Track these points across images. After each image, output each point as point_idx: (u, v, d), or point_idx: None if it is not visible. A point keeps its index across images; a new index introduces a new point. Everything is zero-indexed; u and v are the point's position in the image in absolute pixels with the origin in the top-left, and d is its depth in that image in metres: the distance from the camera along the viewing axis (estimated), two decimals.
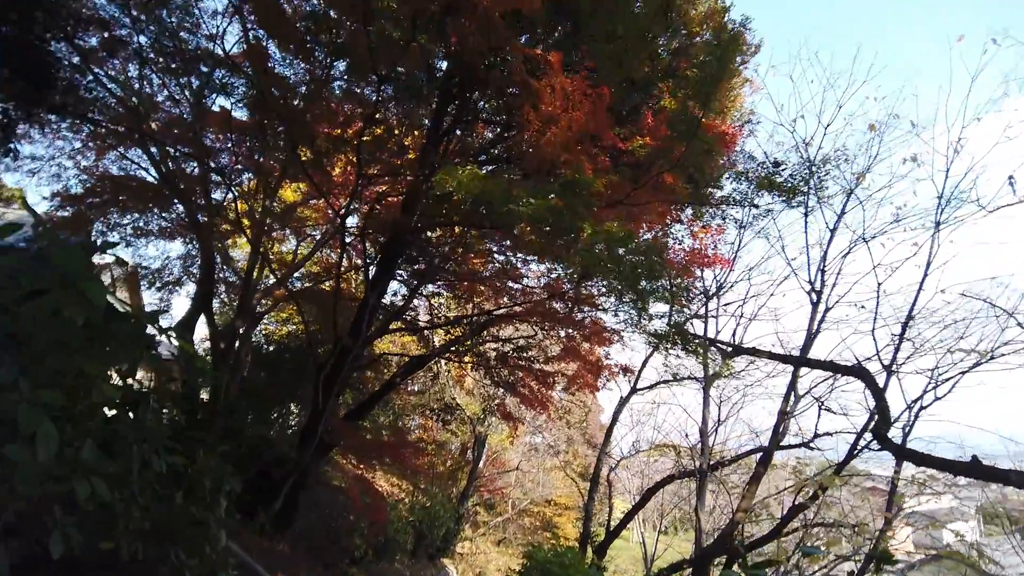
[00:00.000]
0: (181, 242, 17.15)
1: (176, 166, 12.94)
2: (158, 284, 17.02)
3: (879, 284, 10.18)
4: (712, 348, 10.91)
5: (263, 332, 19.93)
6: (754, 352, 8.84)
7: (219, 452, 5.83)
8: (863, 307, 10.20)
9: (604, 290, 10.95)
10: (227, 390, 12.92)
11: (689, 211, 11.81)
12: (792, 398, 11.00)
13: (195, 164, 13.12)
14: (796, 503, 10.31)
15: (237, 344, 14.59)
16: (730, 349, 9.35)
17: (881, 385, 8.26)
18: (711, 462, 12.26)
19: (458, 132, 11.03)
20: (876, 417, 7.96)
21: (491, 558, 27.86)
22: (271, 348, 18.25)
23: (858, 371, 7.69)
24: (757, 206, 11.45)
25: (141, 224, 16.24)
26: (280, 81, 10.96)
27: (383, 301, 14.61)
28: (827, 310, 10.78)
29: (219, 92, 10.45)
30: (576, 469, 34.33)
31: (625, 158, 8.13)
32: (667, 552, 25.89)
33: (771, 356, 9.28)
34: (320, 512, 16.91)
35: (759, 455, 11.82)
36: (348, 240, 11.29)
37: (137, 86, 11.94)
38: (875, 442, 7.88)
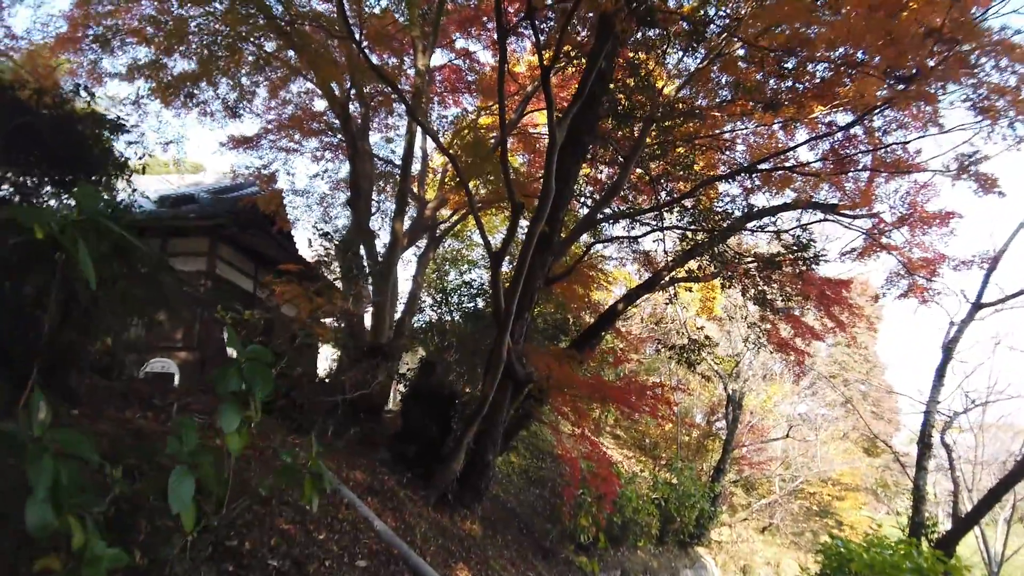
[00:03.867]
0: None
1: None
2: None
3: None
4: None
5: (465, 281, 17.35)
6: None
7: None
8: None
9: None
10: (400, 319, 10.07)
11: None
12: None
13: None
14: None
15: (418, 265, 11.77)
16: None
17: None
18: None
19: None
20: None
21: (755, 548, 22.71)
22: (476, 298, 15.53)
23: None
24: None
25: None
26: None
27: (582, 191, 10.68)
28: None
29: None
30: (858, 443, 27.29)
31: None
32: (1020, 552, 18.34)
33: None
34: (536, 484, 13.57)
35: None
36: None
37: None
38: None
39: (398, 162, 13.14)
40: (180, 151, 15.82)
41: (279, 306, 12.73)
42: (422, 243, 12.99)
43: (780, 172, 9.45)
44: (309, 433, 7.48)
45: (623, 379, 12.78)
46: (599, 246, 14.39)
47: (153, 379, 10.82)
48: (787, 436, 22.59)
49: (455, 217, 12.87)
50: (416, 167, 13.77)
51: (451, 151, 11.20)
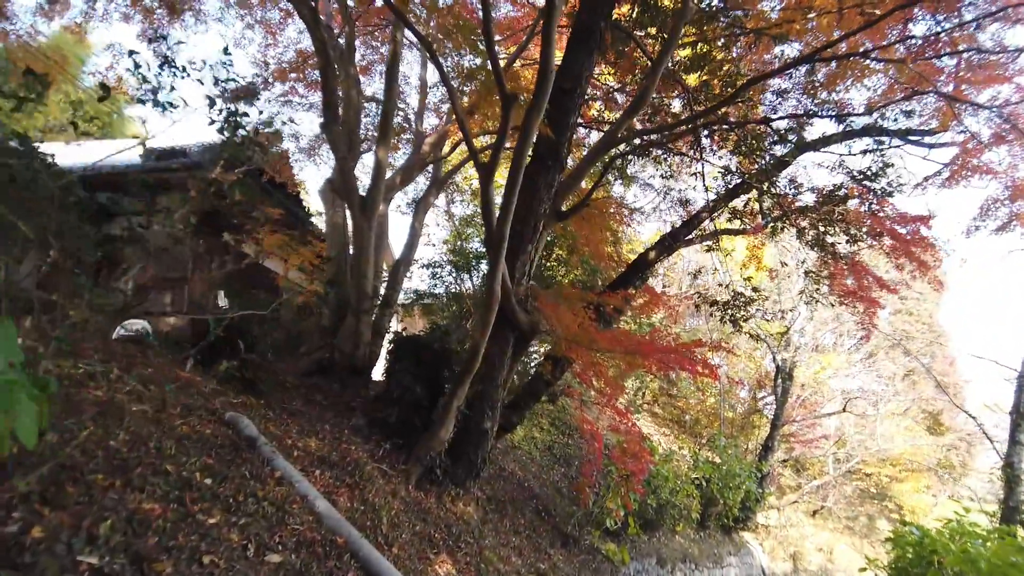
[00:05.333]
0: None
1: None
2: None
3: None
4: None
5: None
6: None
7: None
8: None
9: None
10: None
11: None
12: None
13: None
14: None
15: (416, 210, 10.34)
16: None
17: None
18: None
19: None
20: None
21: (806, 533, 20.89)
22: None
23: None
24: None
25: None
26: None
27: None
28: None
29: None
30: (920, 420, 25.01)
31: None
32: None
33: None
34: (561, 463, 12.10)
35: None
36: None
37: None
38: None
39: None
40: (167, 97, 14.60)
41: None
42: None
43: (849, 67, 7.64)
44: (261, 393, 6.17)
45: (652, 332, 11.20)
46: (631, 197, 12.79)
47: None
48: (843, 410, 20.57)
49: (459, 158, 11.37)
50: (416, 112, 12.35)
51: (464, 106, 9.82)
